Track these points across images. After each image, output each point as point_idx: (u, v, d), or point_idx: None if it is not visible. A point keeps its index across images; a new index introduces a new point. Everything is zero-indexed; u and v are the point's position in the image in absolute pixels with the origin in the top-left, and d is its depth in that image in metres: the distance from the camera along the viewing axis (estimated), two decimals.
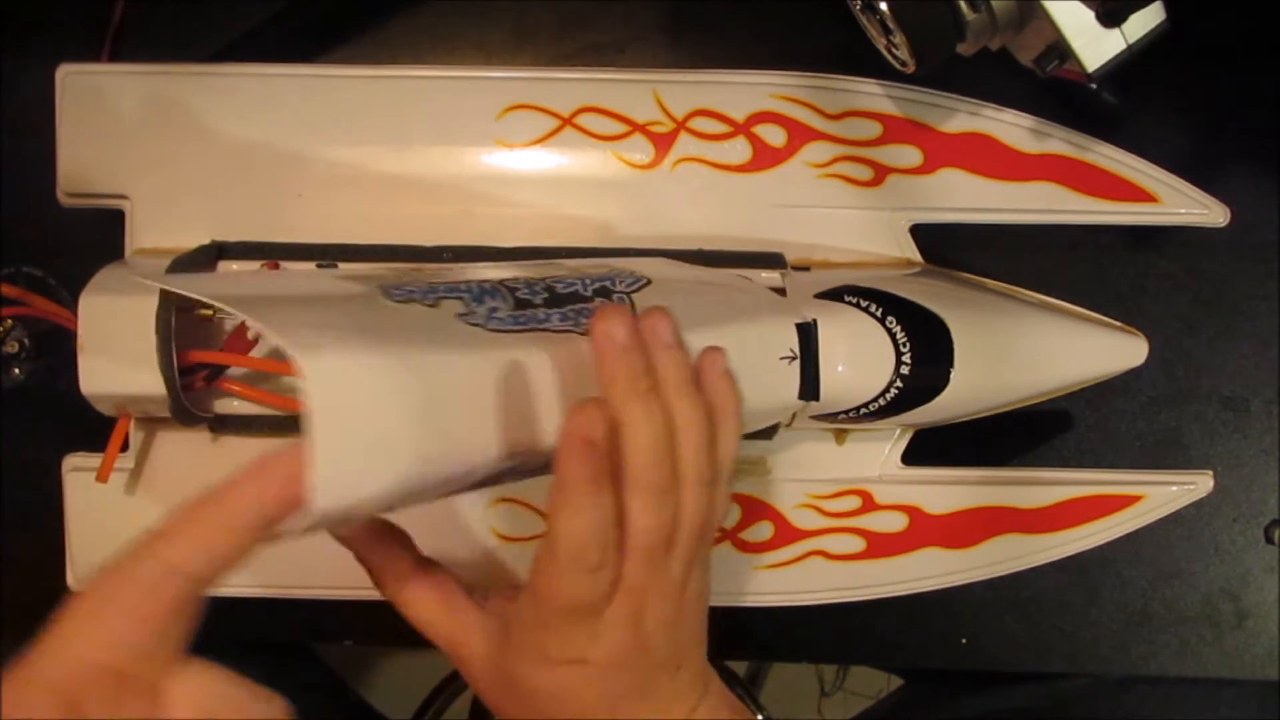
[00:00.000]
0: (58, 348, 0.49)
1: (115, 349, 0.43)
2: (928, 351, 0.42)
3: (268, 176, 0.47)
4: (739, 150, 0.47)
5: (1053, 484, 0.47)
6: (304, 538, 0.29)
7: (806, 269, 0.46)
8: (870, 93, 0.46)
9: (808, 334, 0.41)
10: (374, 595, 0.48)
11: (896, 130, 0.46)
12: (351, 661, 0.98)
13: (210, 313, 0.46)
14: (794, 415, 0.45)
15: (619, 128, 0.47)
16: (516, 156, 0.47)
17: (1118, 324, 0.46)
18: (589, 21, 0.50)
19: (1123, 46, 0.38)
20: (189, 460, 0.47)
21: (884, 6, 0.39)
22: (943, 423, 0.45)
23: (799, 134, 0.47)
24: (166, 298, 0.42)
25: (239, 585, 0.48)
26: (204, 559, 0.29)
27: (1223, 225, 0.46)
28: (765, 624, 0.49)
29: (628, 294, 0.37)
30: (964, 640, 0.50)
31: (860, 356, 0.42)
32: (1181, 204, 0.46)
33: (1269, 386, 0.49)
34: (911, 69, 0.41)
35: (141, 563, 0.29)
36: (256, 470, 0.29)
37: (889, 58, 0.43)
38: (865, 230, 0.47)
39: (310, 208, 0.47)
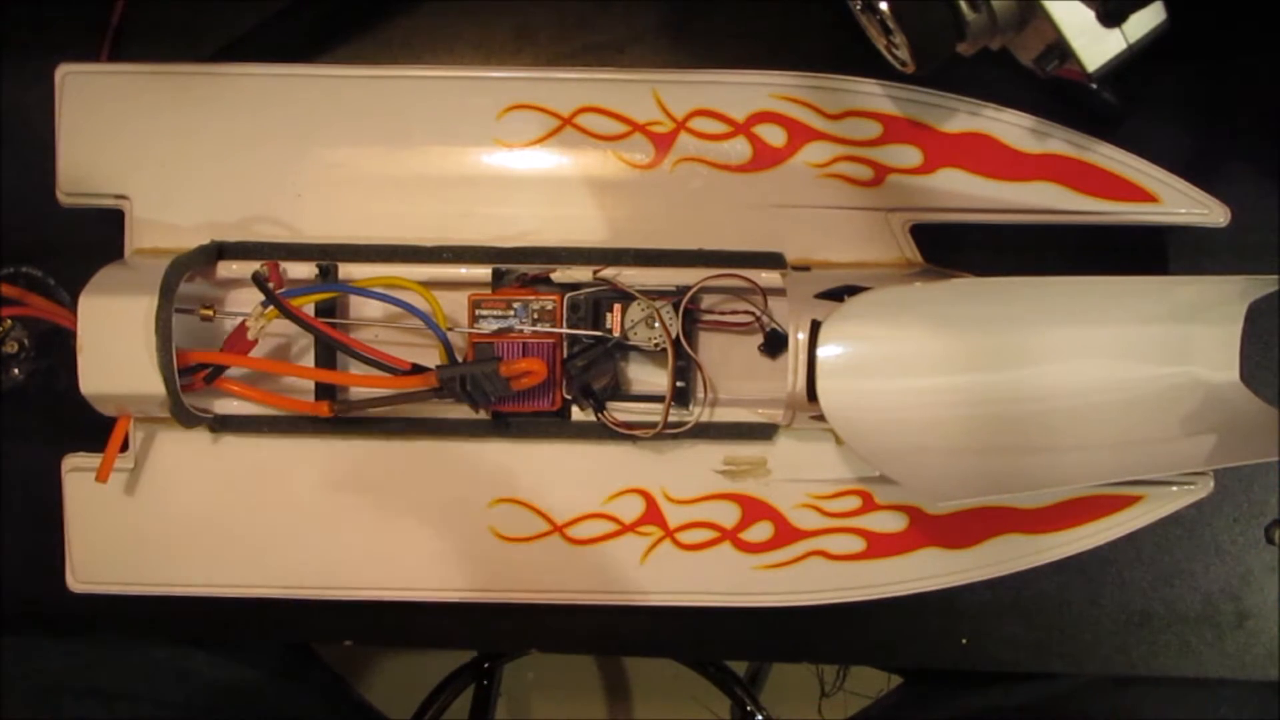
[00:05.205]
0: (58, 348, 0.49)
1: (115, 349, 0.43)
2: None
3: (268, 176, 0.47)
4: (739, 150, 0.47)
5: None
6: None
7: (806, 269, 0.46)
8: (870, 93, 0.46)
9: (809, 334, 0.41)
10: (374, 595, 0.48)
11: (896, 130, 0.46)
12: (351, 661, 0.98)
13: (210, 312, 0.46)
14: (794, 415, 0.45)
15: (619, 128, 0.47)
16: (516, 156, 0.47)
17: None
18: (589, 21, 0.50)
19: (1123, 46, 0.38)
20: (189, 460, 0.47)
21: (884, 6, 0.39)
22: None
23: (799, 134, 0.47)
24: (167, 298, 0.42)
25: (240, 585, 0.48)
26: None
27: (1223, 225, 0.45)
28: (765, 624, 0.49)
29: None
30: (964, 640, 0.50)
31: None
32: (1181, 204, 0.46)
33: (1269, 387, 0.49)
34: (911, 69, 0.41)
35: None
36: None
37: (889, 58, 0.43)
38: (865, 230, 0.47)
39: (310, 208, 0.47)
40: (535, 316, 0.45)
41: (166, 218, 0.47)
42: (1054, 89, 0.46)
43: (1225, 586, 0.50)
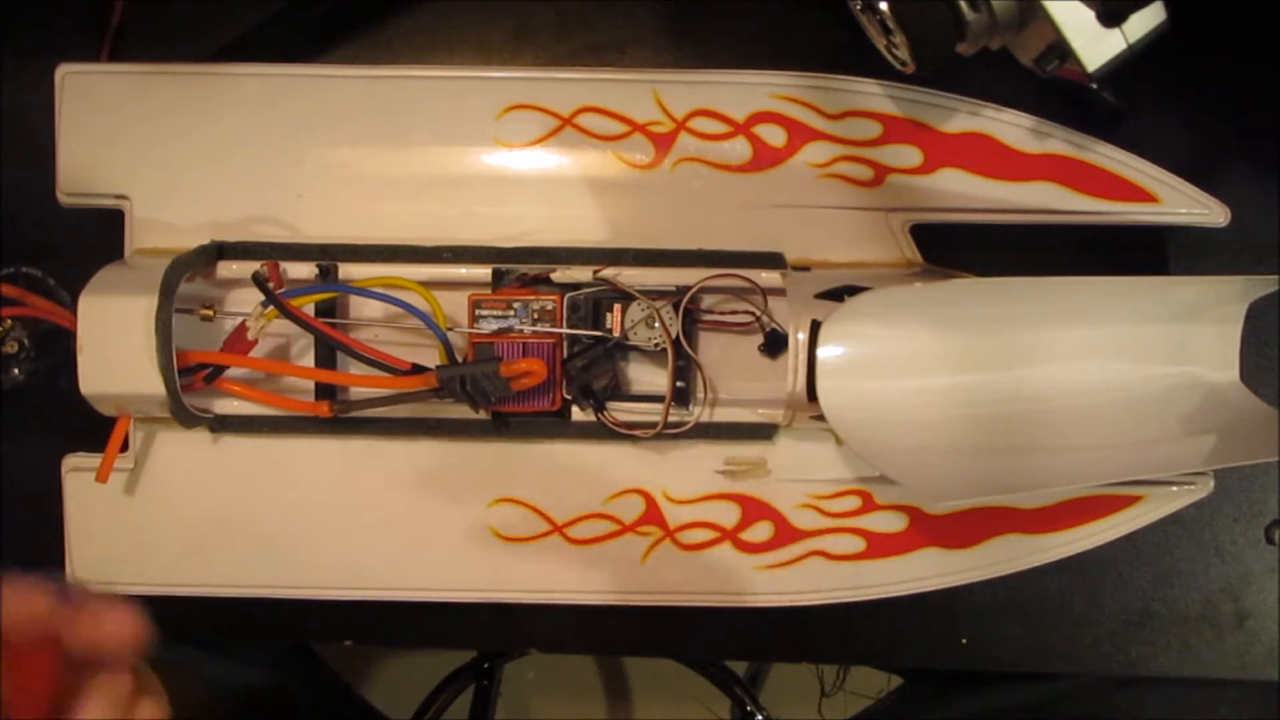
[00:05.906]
0: (58, 348, 0.49)
1: (115, 349, 0.43)
2: None
3: (268, 176, 0.47)
4: (739, 150, 0.47)
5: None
6: None
7: (806, 269, 0.46)
8: (870, 93, 0.46)
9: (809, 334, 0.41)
10: (373, 595, 0.48)
11: (896, 130, 0.46)
12: (351, 661, 0.99)
13: (210, 312, 0.46)
14: (794, 415, 0.45)
15: (619, 128, 0.47)
16: (516, 156, 0.47)
17: None
18: (589, 21, 0.50)
19: (1123, 46, 0.38)
20: (189, 460, 0.47)
21: (884, 6, 0.39)
22: None
23: (799, 134, 0.47)
24: (167, 298, 0.42)
25: (240, 585, 0.48)
26: None
27: (1223, 225, 0.45)
28: (765, 624, 0.49)
29: None
30: (964, 640, 0.50)
31: None
32: (1181, 204, 0.46)
33: (1268, 386, 0.49)
34: (911, 69, 0.41)
35: None
36: None
37: (889, 58, 0.43)
38: (865, 230, 0.47)
39: (310, 208, 0.47)
40: (535, 316, 0.45)
41: (166, 218, 0.47)
42: (1054, 89, 0.46)
43: (1225, 586, 0.50)
